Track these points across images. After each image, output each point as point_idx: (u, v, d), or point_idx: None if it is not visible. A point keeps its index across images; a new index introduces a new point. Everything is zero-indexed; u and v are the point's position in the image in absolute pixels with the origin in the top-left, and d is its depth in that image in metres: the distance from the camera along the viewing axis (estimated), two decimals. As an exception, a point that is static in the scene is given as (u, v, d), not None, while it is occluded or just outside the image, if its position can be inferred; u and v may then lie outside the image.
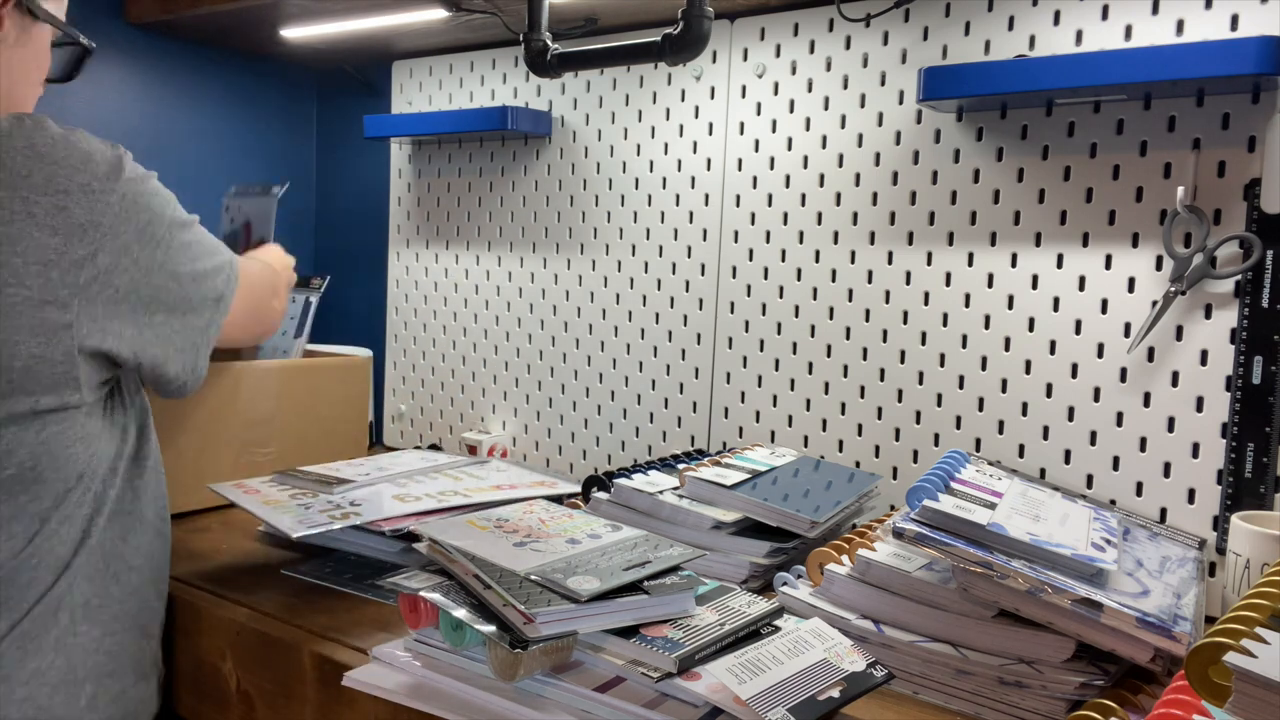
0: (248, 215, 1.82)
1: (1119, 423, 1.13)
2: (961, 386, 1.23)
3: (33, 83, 0.90)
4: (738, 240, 1.40)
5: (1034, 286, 1.17)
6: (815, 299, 1.33)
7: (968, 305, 1.22)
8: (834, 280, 1.32)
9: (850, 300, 1.30)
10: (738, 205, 1.40)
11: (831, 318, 1.32)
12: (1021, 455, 1.19)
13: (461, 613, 0.79)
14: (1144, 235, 1.10)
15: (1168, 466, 1.10)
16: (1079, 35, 1.13)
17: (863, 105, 1.28)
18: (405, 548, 1.07)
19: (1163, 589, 0.86)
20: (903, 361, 1.26)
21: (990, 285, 1.20)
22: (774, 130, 1.36)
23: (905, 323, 1.26)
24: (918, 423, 1.26)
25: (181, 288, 0.88)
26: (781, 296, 1.36)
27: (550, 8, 1.31)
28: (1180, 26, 1.06)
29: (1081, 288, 1.14)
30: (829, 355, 1.32)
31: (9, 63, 0.86)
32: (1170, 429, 1.10)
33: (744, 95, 1.38)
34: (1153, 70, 0.99)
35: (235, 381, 1.32)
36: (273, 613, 0.97)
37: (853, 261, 1.30)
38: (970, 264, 1.21)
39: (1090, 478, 1.14)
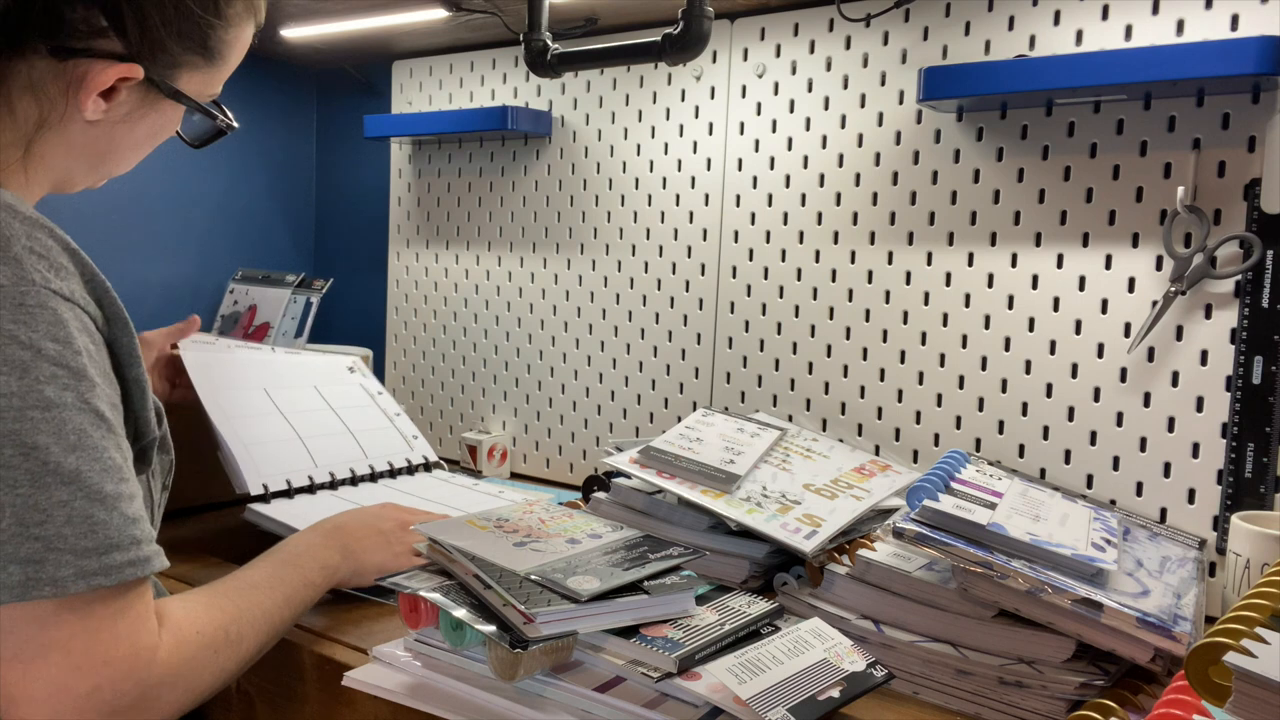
0: (254, 300, 1.83)
1: (1119, 423, 1.13)
2: (961, 386, 1.23)
3: (136, 149, 0.81)
4: (738, 240, 1.40)
5: (1034, 286, 1.17)
6: (815, 299, 1.33)
7: (968, 305, 1.22)
8: (834, 280, 1.32)
9: (850, 300, 1.30)
10: (738, 205, 1.40)
11: (831, 318, 1.32)
12: (1021, 455, 1.19)
13: (461, 613, 0.79)
14: (1144, 235, 1.10)
15: (1168, 466, 1.10)
16: (1079, 35, 1.13)
17: (863, 105, 1.28)
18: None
19: (1163, 589, 0.86)
20: (903, 361, 1.26)
21: (990, 285, 1.20)
22: (774, 130, 1.36)
23: (905, 323, 1.26)
24: (918, 423, 1.26)
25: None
26: (781, 296, 1.36)
27: (550, 8, 1.31)
28: (1180, 26, 1.06)
29: (1081, 288, 1.14)
30: (829, 355, 1.32)
31: (110, 134, 0.77)
32: (1170, 429, 1.10)
33: (744, 95, 1.39)
34: (1153, 70, 0.99)
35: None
36: (273, 613, 0.96)
37: (853, 261, 1.30)
38: (970, 264, 1.21)
39: (1090, 478, 1.14)
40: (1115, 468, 1.13)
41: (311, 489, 1.22)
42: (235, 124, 0.86)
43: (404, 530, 0.97)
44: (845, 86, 1.29)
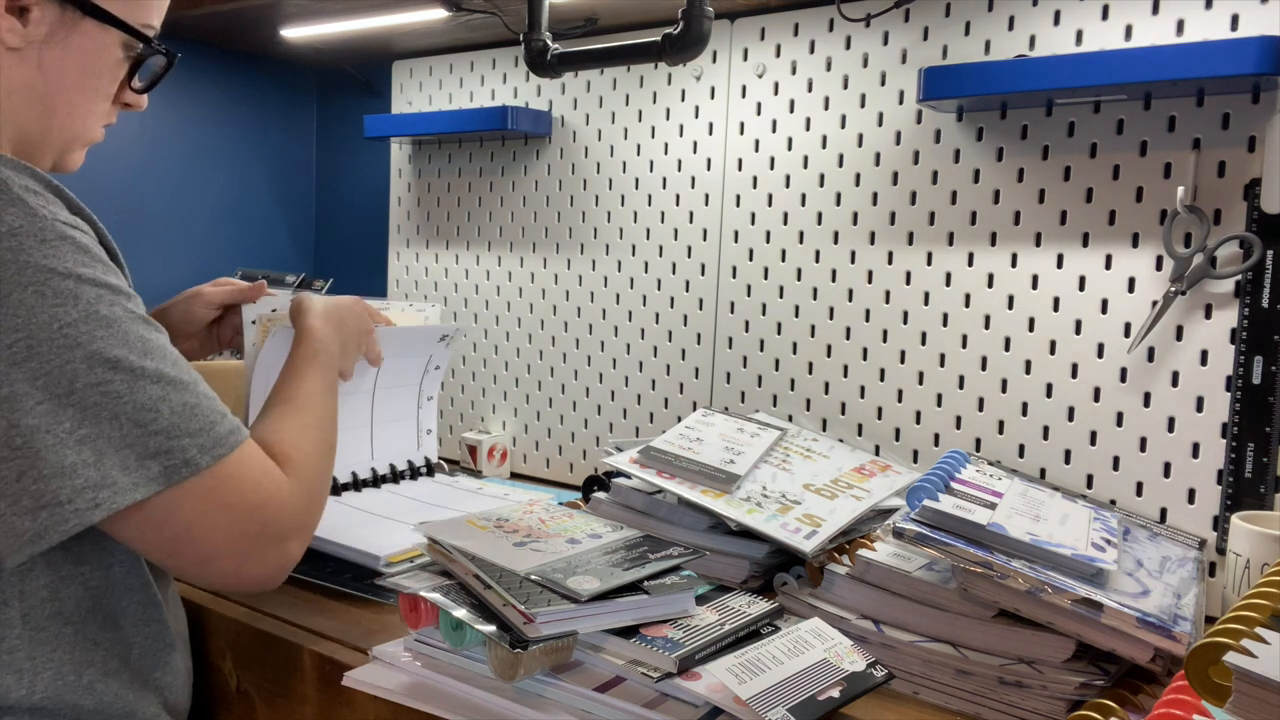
0: None
1: (1119, 423, 1.12)
2: (961, 386, 1.23)
3: (78, 90, 0.78)
4: (738, 240, 1.40)
5: (1034, 286, 1.17)
6: (815, 299, 1.33)
7: (968, 305, 1.21)
8: (834, 280, 1.31)
9: (850, 300, 1.30)
10: (738, 205, 1.39)
11: (831, 318, 1.32)
12: (1021, 455, 1.19)
13: (461, 613, 0.79)
14: (1144, 235, 1.10)
15: (1168, 466, 1.10)
16: (1079, 35, 1.13)
17: (863, 105, 1.28)
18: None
19: (1163, 589, 0.86)
20: (903, 361, 1.26)
21: (990, 285, 1.20)
22: (774, 130, 1.36)
23: (905, 323, 1.26)
24: (918, 423, 1.26)
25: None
26: (781, 296, 1.36)
27: (550, 8, 1.31)
28: (1180, 26, 1.06)
29: (1081, 288, 1.14)
30: (829, 355, 1.32)
31: (39, 63, 0.75)
32: (1170, 429, 1.09)
33: (744, 95, 1.38)
34: (1153, 70, 0.99)
35: (227, 380, 1.31)
36: (273, 613, 0.97)
37: (853, 261, 1.30)
38: (970, 264, 1.21)
39: (1090, 478, 1.14)
40: (1115, 468, 1.13)
41: None
42: (175, 53, 0.84)
43: (365, 312, 1.14)
44: (845, 86, 1.29)
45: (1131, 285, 1.11)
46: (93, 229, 0.74)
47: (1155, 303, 1.09)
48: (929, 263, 1.24)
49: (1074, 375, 1.15)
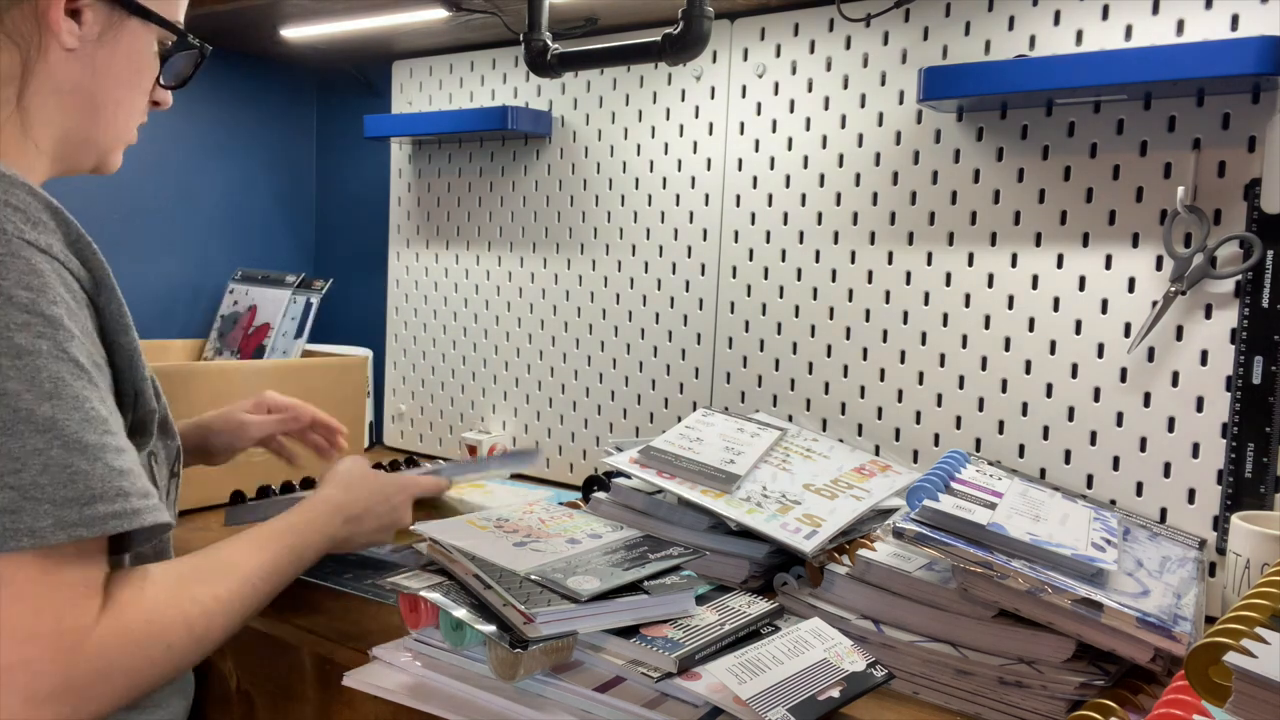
0: (254, 300, 1.83)
1: (1119, 423, 1.12)
2: (961, 386, 1.23)
3: (125, 88, 0.79)
4: (738, 240, 1.40)
5: (1034, 286, 1.17)
6: (815, 299, 1.33)
7: (968, 305, 1.22)
8: (834, 280, 1.31)
9: (850, 300, 1.30)
10: (738, 205, 1.39)
11: (832, 318, 1.32)
12: (1021, 455, 1.19)
13: (461, 613, 0.79)
14: (1144, 235, 1.10)
15: (1168, 466, 1.10)
16: (1079, 35, 1.13)
17: (863, 105, 1.28)
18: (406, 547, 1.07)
19: (1163, 589, 0.86)
20: (903, 361, 1.26)
21: (990, 285, 1.20)
22: (774, 130, 1.36)
23: (905, 323, 1.26)
24: (918, 423, 1.26)
25: None
26: (782, 296, 1.36)
27: (550, 8, 1.31)
28: (1180, 26, 1.06)
29: (1081, 288, 1.14)
30: (829, 355, 1.32)
31: (91, 64, 0.76)
32: (1170, 429, 1.09)
33: (744, 95, 1.38)
34: (1153, 70, 0.99)
35: (229, 382, 1.31)
36: (273, 613, 0.96)
37: (853, 261, 1.30)
38: (970, 264, 1.21)
39: (1090, 478, 1.14)
40: (1115, 468, 1.13)
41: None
42: (208, 46, 0.84)
43: (405, 508, 0.98)
44: (845, 86, 1.29)
45: (1131, 285, 1.11)
46: (86, 266, 0.69)
47: (1155, 303, 1.09)
48: (929, 263, 1.24)
49: (1074, 375, 1.15)
